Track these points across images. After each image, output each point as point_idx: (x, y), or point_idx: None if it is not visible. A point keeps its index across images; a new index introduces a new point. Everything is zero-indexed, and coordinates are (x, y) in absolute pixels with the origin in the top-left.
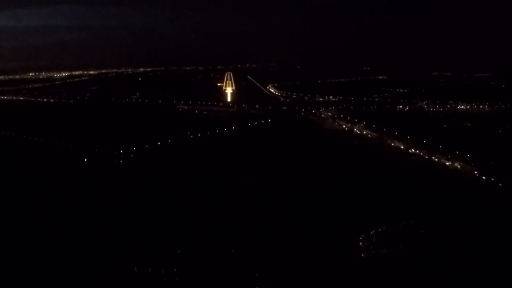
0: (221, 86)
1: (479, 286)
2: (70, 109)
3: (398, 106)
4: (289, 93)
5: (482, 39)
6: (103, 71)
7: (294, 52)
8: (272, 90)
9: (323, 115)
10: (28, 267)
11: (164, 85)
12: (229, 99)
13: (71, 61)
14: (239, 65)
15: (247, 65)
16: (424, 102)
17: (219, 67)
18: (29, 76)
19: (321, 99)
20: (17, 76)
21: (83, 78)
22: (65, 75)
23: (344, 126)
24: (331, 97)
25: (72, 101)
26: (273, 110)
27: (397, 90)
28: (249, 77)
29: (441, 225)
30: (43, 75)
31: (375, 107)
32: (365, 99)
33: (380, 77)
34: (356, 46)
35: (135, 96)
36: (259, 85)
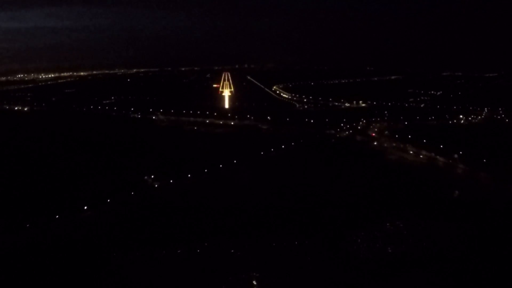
0: (218, 88)
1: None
2: (14, 121)
3: (461, 116)
4: (303, 96)
5: (482, 38)
6: (94, 72)
7: (291, 52)
8: (282, 93)
9: (373, 133)
10: None
11: (150, 87)
12: (227, 105)
13: (67, 62)
14: (236, 66)
15: (245, 66)
16: (487, 110)
17: (216, 68)
18: (14, 78)
19: (348, 105)
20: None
21: (67, 80)
22: (51, 77)
23: (420, 155)
24: (360, 102)
25: (26, 108)
26: (295, 124)
27: (429, 92)
28: (249, 77)
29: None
30: (30, 76)
31: (432, 118)
32: (406, 105)
33: (393, 77)
34: (353, 46)
35: (107, 102)
36: (262, 86)
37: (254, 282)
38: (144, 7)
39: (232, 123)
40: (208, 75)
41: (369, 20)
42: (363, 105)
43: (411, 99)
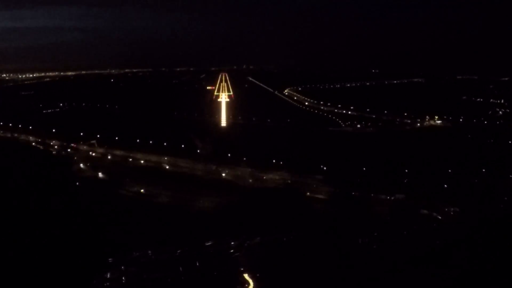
0: (213, 91)
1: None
2: None
3: None
4: (339, 106)
5: (483, 41)
6: (83, 72)
7: (291, 53)
8: (303, 100)
9: None
10: None
11: (127, 91)
12: (224, 118)
13: (59, 62)
14: (235, 67)
15: (244, 66)
16: None
17: (213, 69)
18: None
19: (417, 123)
20: None
21: (39, 80)
22: (29, 77)
23: None
24: (436, 118)
25: None
26: (376, 181)
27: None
28: (250, 78)
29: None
30: (10, 77)
31: None
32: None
33: (415, 80)
34: (353, 48)
35: (48, 111)
36: (270, 89)
37: None
38: (142, 6)
39: (239, 175)
40: (202, 76)
41: (370, 23)
42: (438, 122)
43: (490, 112)
